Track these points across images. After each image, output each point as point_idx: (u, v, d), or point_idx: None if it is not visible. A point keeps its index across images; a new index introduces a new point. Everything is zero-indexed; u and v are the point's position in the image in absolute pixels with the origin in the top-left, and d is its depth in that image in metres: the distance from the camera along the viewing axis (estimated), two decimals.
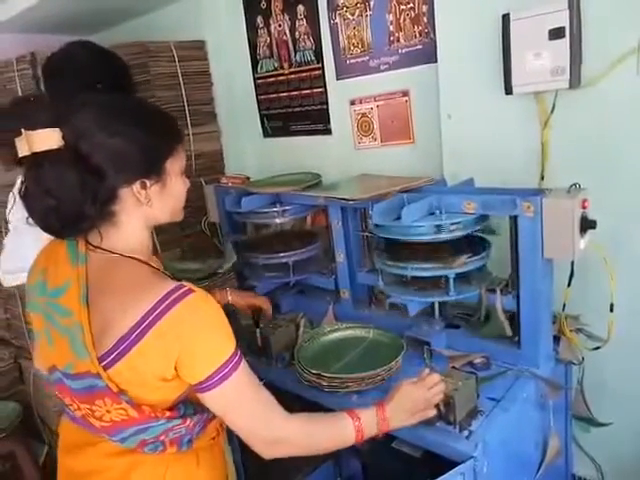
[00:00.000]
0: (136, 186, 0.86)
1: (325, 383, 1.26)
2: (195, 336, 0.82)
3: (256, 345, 1.46)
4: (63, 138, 0.79)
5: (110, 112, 0.85)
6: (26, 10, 2.12)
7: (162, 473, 0.92)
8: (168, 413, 0.88)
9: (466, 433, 1.07)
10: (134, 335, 0.79)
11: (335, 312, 1.62)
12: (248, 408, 0.88)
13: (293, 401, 1.43)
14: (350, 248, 1.59)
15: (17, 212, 0.98)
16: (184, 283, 0.84)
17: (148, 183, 0.87)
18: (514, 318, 1.28)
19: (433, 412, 1.04)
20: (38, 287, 0.92)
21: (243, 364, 0.87)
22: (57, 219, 0.82)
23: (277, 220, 1.68)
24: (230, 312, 1.35)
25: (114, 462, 0.92)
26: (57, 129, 0.79)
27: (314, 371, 1.27)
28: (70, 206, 0.80)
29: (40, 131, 0.78)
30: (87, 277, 0.86)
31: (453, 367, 1.23)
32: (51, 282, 0.90)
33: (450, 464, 1.03)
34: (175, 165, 0.91)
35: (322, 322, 1.58)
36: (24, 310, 2.12)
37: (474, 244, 1.34)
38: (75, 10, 2.22)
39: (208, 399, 0.86)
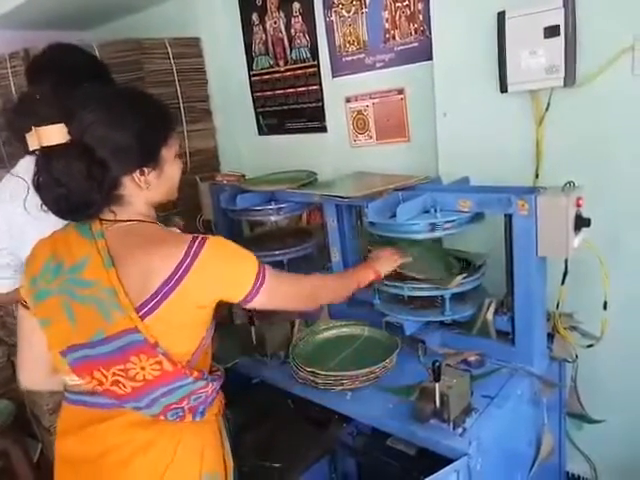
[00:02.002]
0: (136, 174, 0.94)
1: (320, 381, 1.26)
2: (226, 268, 0.96)
3: (251, 343, 1.46)
4: (69, 133, 0.87)
5: (110, 107, 0.92)
6: (19, 6, 2.10)
7: (175, 445, 0.97)
8: (196, 373, 0.96)
9: (460, 430, 1.07)
10: (170, 285, 0.88)
11: (330, 310, 1.62)
12: (286, 293, 1.08)
13: (286, 398, 1.44)
14: (345, 246, 1.59)
15: (32, 199, 1.02)
16: (197, 235, 0.95)
17: (146, 170, 0.95)
18: (508, 334, 1.30)
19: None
20: (50, 271, 0.95)
21: (269, 271, 1.01)
22: (67, 206, 0.91)
23: (272, 218, 1.67)
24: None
25: (133, 435, 0.96)
26: (63, 125, 0.87)
27: (309, 369, 1.27)
28: (79, 194, 0.89)
29: (48, 127, 0.86)
30: (109, 247, 0.93)
31: (447, 365, 1.23)
32: (68, 261, 0.94)
33: (444, 461, 1.04)
34: (170, 151, 1.00)
35: (317, 320, 1.58)
36: (17, 308, 2.11)
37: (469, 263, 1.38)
38: (68, 7, 2.20)
39: (253, 305, 1.01)
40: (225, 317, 1.70)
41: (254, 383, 1.47)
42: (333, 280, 1.29)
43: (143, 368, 0.90)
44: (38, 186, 0.91)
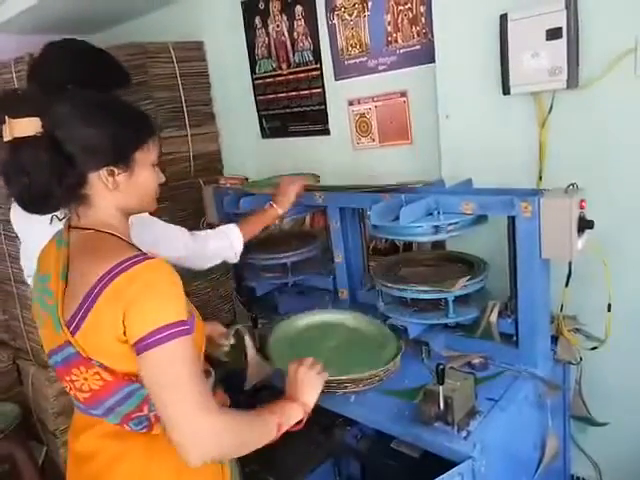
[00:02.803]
0: (103, 172, 0.92)
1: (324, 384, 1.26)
2: (141, 295, 0.84)
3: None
4: (42, 127, 0.89)
5: (86, 105, 0.94)
6: (24, 11, 2.12)
7: (147, 461, 0.93)
8: None
9: (464, 433, 1.07)
10: (90, 298, 0.85)
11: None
12: (177, 386, 0.83)
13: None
14: (349, 248, 1.59)
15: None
16: (148, 255, 0.88)
17: (116, 171, 0.93)
18: (511, 337, 1.30)
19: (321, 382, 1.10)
20: (36, 279, 1.01)
21: (184, 340, 0.83)
22: (28, 197, 0.91)
23: (276, 221, 1.67)
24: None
25: (106, 444, 0.95)
26: (37, 118, 0.88)
27: None
28: (39, 185, 0.88)
29: (22, 119, 0.89)
30: (68, 256, 0.93)
31: (451, 367, 1.23)
32: (41, 271, 0.99)
33: (449, 464, 1.03)
34: (145, 157, 0.98)
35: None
36: (22, 311, 2.12)
37: (473, 265, 1.37)
38: (73, 11, 2.22)
39: (141, 363, 0.83)
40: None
41: (257, 386, 1.47)
42: (250, 425, 0.92)
43: (86, 379, 0.90)
44: (5, 174, 0.92)
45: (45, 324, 0.96)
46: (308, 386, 1.06)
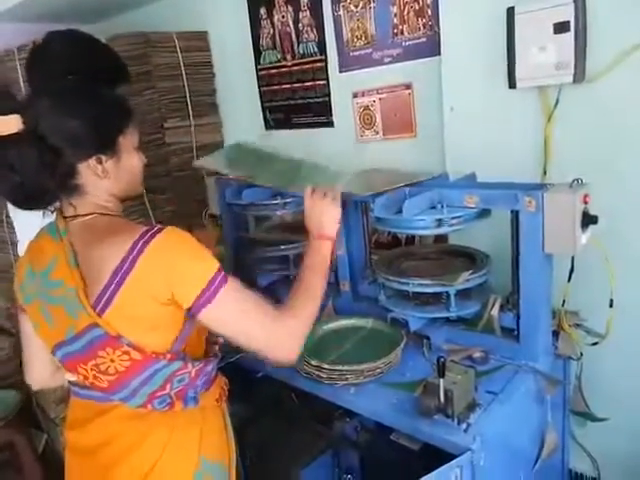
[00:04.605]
0: (92, 161, 0.94)
1: (324, 375, 1.26)
2: (178, 259, 0.90)
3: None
4: (23, 123, 0.88)
5: (64, 97, 0.93)
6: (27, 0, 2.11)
7: (169, 435, 0.97)
8: (169, 355, 0.94)
9: (464, 426, 1.07)
10: (120, 274, 0.87)
11: (335, 305, 1.62)
12: (248, 318, 0.93)
13: (290, 392, 1.44)
14: (351, 241, 1.59)
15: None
16: (157, 225, 0.92)
17: (103, 158, 0.95)
18: (513, 331, 1.29)
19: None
20: (28, 277, 1.00)
21: (230, 280, 0.92)
22: (22, 194, 0.92)
23: (278, 212, 1.67)
24: None
25: (127, 427, 0.97)
26: (17, 115, 0.88)
27: (314, 363, 1.27)
28: (32, 181, 0.89)
29: (2, 117, 0.87)
30: (72, 244, 0.94)
31: (452, 361, 1.23)
32: (38, 267, 0.98)
33: (448, 457, 1.04)
34: (128, 141, 1.00)
35: (321, 315, 1.58)
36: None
37: (475, 259, 1.36)
38: (74, 0, 2.21)
39: (207, 317, 0.91)
40: None
41: (258, 377, 1.47)
42: (305, 300, 1.01)
43: (112, 360, 0.91)
44: None
45: (53, 318, 0.95)
46: (327, 217, 1.13)
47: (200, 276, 0.90)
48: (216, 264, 0.92)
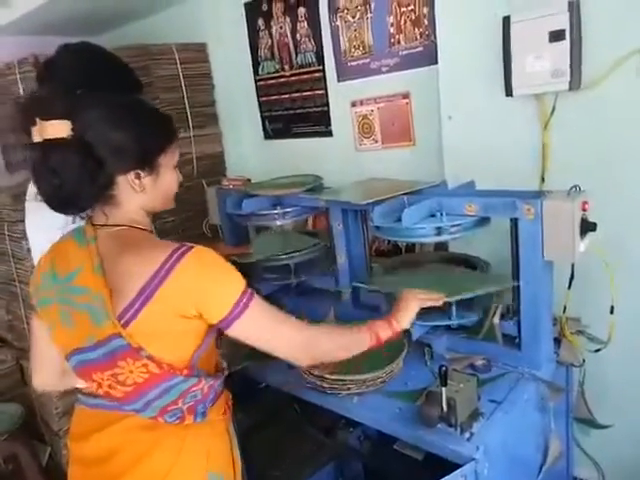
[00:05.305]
0: (131, 175, 0.96)
1: (326, 385, 1.26)
2: (207, 278, 0.93)
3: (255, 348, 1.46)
4: (72, 129, 0.90)
5: (114, 109, 0.96)
6: (28, 13, 2.13)
7: (179, 446, 0.99)
8: (186, 371, 0.96)
9: (467, 435, 1.07)
10: (148, 291, 0.89)
11: (336, 313, 1.62)
12: (276, 330, 0.99)
13: (293, 402, 1.44)
14: (351, 250, 1.59)
15: (30, 188, 1.11)
16: (186, 243, 0.94)
17: (142, 174, 0.98)
18: (514, 339, 1.29)
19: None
20: (48, 280, 1.00)
21: (256, 297, 0.97)
22: (59, 196, 0.93)
23: (278, 222, 1.68)
24: None
25: (136, 437, 0.97)
26: (68, 121, 0.90)
27: (316, 373, 1.27)
28: (71, 186, 0.91)
29: (53, 122, 0.89)
30: (99, 252, 0.95)
31: (454, 369, 1.23)
32: (62, 270, 0.98)
33: (452, 466, 1.03)
34: (168, 161, 1.03)
35: (324, 323, 1.58)
36: (27, 312, 2.13)
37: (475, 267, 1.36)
38: (77, 13, 2.23)
39: (234, 332, 0.96)
40: None
41: (260, 387, 1.47)
42: (341, 334, 1.10)
43: (131, 372, 0.92)
44: (34, 176, 0.94)
45: (74, 323, 0.96)
46: (404, 307, 1.17)
47: (228, 296, 0.93)
48: (243, 283, 0.96)
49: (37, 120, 0.89)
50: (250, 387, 1.48)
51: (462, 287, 1.27)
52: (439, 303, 1.22)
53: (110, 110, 0.95)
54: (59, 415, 2.00)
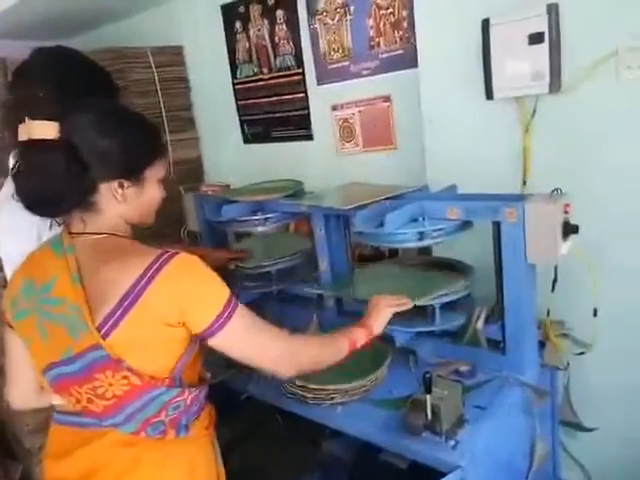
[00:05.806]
0: (114, 184, 0.95)
1: (310, 395, 1.23)
2: (193, 286, 0.92)
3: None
4: (60, 131, 0.90)
5: (106, 117, 0.95)
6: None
7: (162, 462, 0.96)
8: (168, 381, 0.93)
9: (452, 443, 1.05)
10: (130, 298, 0.87)
11: (320, 320, 1.59)
12: (258, 341, 0.98)
13: (275, 414, 1.41)
14: (333, 255, 1.57)
15: (6, 188, 1.12)
16: (169, 249, 0.93)
17: (126, 184, 0.96)
18: (499, 343, 1.28)
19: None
20: (25, 291, 0.97)
21: (240, 306, 0.96)
22: (39, 197, 0.91)
23: (259, 228, 1.65)
24: None
25: (118, 453, 0.95)
26: (56, 123, 0.89)
27: (299, 383, 1.24)
28: (53, 188, 0.90)
29: (42, 122, 0.89)
30: (77, 261, 0.93)
31: (439, 375, 1.21)
32: (39, 281, 0.96)
33: (437, 474, 1.01)
34: (154, 174, 1.01)
35: (306, 331, 1.55)
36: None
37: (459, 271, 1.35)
38: (49, 15, 2.17)
39: (217, 342, 0.94)
40: None
41: (242, 399, 1.43)
42: (321, 344, 1.11)
43: (111, 384, 0.90)
44: (16, 175, 0.92)
45: (49, 336, 0.93)
46: (376, 314, 1.19)
47: (213, 304, 0.92)
48: (227, 291, 0.94)
49: (25, 119, 0.89)
50: (232, 399, 1.45)
51: (431, 290, 1.27)
52: (409, 307, 1.24)
53: (100, 116, 0.94)
54: (30, 432, 1.93)
